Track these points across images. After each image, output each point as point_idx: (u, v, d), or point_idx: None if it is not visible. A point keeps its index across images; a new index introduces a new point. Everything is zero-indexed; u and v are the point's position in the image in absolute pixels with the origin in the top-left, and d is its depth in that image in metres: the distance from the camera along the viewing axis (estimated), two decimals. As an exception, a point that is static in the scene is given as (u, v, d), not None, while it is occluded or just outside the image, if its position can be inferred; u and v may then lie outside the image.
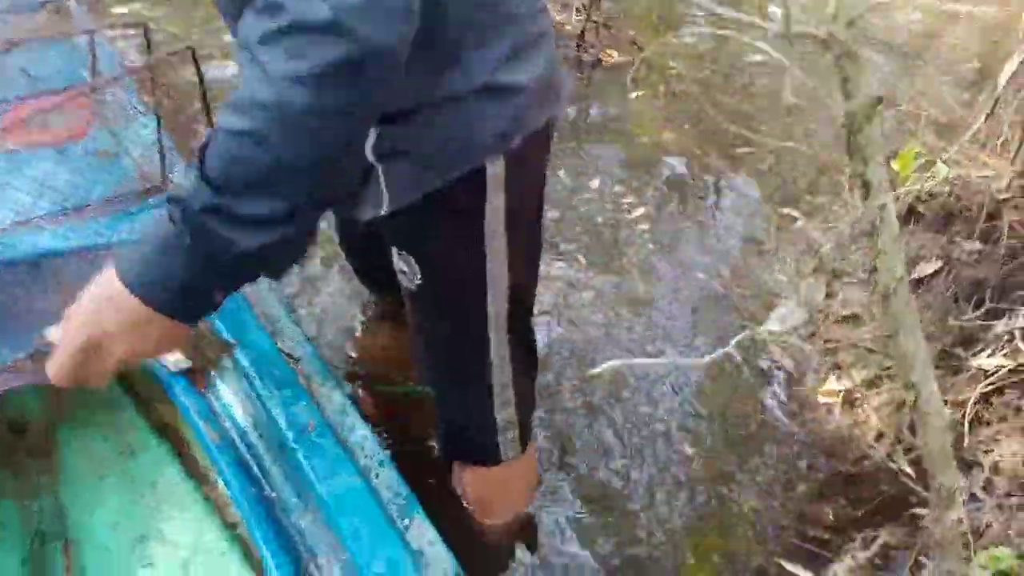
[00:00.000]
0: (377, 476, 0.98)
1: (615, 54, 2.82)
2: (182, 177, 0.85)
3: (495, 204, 1.04)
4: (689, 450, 1.61)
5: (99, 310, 0.83)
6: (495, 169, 1.01)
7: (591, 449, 1.60)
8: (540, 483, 1.51)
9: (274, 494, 1.03)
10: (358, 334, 1.79)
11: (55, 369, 0.87)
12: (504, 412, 1.26)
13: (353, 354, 1.75)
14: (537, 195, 1.16)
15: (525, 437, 1.33)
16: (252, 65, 0.74)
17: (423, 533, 0.91)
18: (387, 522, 0.90)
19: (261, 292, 1.24)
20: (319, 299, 1.84)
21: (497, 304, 1.13)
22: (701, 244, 2.11)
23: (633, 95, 2.65)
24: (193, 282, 0.80)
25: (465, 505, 1.40)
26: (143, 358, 0.89)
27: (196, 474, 1.22)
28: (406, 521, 0.93)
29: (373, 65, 0.73)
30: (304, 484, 0.97)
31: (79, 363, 0.85)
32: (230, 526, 1.16)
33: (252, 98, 0.74)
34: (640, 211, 2.19)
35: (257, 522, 0.98)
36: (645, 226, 2.15)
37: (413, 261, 1.11)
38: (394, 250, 1.12)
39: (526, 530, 1.46)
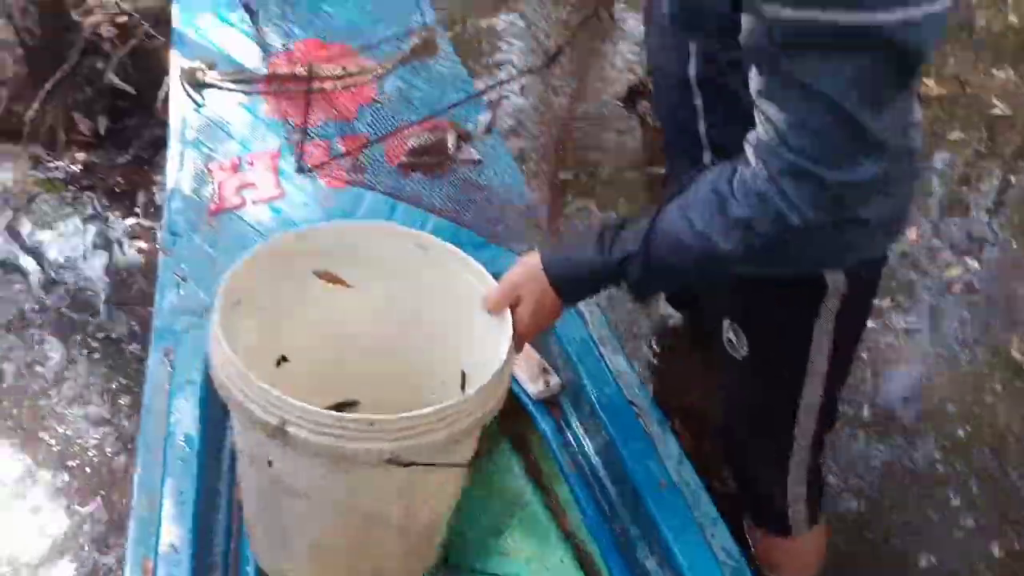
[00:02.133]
0: (712, 536, 1.12)
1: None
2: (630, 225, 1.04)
3: (830, 307, 1.10)
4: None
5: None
6: (838, 279, 1.07)
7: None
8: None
9: (619, 526, 1.20)
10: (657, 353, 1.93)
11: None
12: (796, 488, 1.34)
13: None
14: (867, 306, 1.21)
15: (814, 514, 1.41)
16: (769, 186, 0.88)
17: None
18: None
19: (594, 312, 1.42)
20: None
21: (811, 391, 1.21)
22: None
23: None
24: (593, 287, 1.10)
25: (754, 553, 1.49)
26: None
27: (539, 482, 1.40)
28: (735, 583, 1.06)
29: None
30: (652, 532, 1.12)
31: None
32: (568, 535, 1.34)
33: (749, 217, 0.90)
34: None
35: (606, 544, 1.16)
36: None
37: (743, 336, 1.20)
38: (727, 322, 1.22)
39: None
